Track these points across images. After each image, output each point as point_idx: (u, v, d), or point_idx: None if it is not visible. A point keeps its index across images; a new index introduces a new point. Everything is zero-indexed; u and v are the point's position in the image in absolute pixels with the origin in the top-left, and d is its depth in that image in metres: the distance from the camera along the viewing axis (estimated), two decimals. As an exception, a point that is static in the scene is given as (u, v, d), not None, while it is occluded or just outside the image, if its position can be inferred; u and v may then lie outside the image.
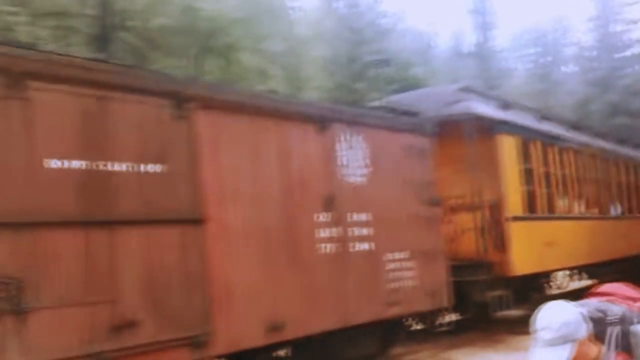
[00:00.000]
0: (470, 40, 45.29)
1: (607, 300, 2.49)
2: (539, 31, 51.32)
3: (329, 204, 7.34)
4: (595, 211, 14.22)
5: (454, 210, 10.68)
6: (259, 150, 6.58)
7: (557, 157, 12.41)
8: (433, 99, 11.08)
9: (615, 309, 2.40)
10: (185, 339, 5.60)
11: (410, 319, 9.31)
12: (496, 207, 10.51)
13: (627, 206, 16.28)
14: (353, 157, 7.82)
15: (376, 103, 10.97)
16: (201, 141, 5.98)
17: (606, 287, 2.63)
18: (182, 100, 5.84)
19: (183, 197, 5.74)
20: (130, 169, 5.39)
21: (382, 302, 7.88)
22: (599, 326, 2.34)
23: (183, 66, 20.43)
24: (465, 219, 10.46)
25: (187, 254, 5.70)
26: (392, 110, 8.81)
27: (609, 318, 2.36)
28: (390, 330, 8.67)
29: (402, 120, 8.74)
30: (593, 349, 2.33)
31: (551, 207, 12.17)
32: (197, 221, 5.83)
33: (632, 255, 15.84)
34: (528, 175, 11.43)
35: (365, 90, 27.78)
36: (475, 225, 10.24)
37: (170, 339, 5.47)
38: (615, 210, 15.40)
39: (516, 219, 10.66)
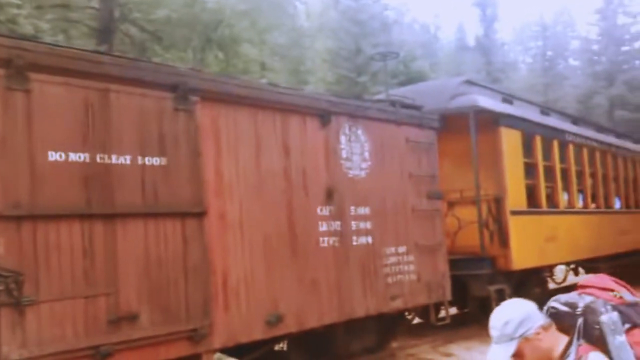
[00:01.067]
0: (474, 33, 45.17)
1: (586, 293, 2.55)
2: (543, 24, 51.13)
3: (331, 197, 7.35)
4: (596, 205, 14.19)
5: (456, 203, 10.69)
6: (261, 143, 6.57)
7: (559, 151, 12.38)
8: (436, 92, 11.05)
9: (584, 301, 2.47)
10: (185, 332, 5.61)
11: (410, 312, 9.32)
12: (498, 201, 10.49)
13: (630, 200, 16.27)
14: (355, 150, 7.81)
15: (380, 96, 10.93)
16: (203, 133, 5.98)
17: (587, 280, 2.67)
18: (184, 92, 5.83)
19: (184, 189, 5.74)
20: (132, 161, 5.39)
21: (382, 295, 7.89)
22: (569, 319, 2.46)
23: (185, 58, 20.43)
24: (467, 213, 10.46)
25: (187, 247, 5.70)
26: (395, 103, 8.78)
27: (577, 310, 2.45)
28: (390, 324, 8.69)
29: (405, 114, 8.72)
30: (552, 343, 2.44)
31: (553, 201, 12.16)
32: (198, 214, 5.83)
33: (634, 249, 15.83)
34: (530, 169, 11.41)
35: (368, 83, 27.75)
36: (477, 219, 10.22)
37: (169, 332, 5.48)
38: (616, 204, 15.39)
39: (518, 213, 10.65)
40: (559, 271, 13.97)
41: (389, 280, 8.04)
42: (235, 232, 6.19)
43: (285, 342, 7.38)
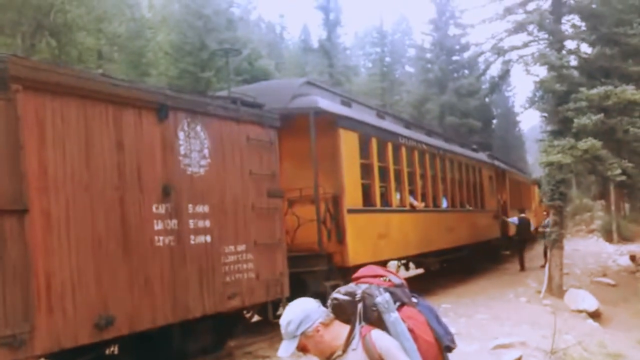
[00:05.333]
0: (318, 35, 46.25)
1: (360, 282, 2.90)
2: (382, 32, 53.61)
3: (167, 194, 7.13)
4: (425, 205, 15.07)
5: (296, 202, 10.85)
6: (91, 136, 6.21)
7: (392, 153, 13.01)
8: (278, 91, 11.15)
9: (360, 289, 2.81)
10: (2, 339, 5.17)
11: (248, 310, 9.32)
12: (336, 200, 10.79)
13: (456, 200, 17.51)
14: (194, 146, 7.65)
15: (222, 93, 10.82)
16: (25, 125, 5.54)
17: (360, 271, 3.01)
18: (3, 80, 5.37)
19: (2, 185, 5.29)
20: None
21: (220, 294, 7.81)
22: (350, 306, 2.78)
23: (14, 45, 18.94)
24: (306, 211, 10.64)
25: (6, 247, 5.26)
26: (236, 100, 8.73)
27: (356, 297, 2.78)
28: (228, 323, 8.64)
29: (246, 112, 8.69)
30: (335, 334, 2.75)
31: (386, 201, 12.75)
32: (18, 211, 5.39)
33: (458, 245, 17.07)
34: (366, 169, 11.87)
35: (212, 79, 27.41)
36: (316, 217, 10.43)
37: (-17, 339, 5.03)
38: (444, 204, 16.49)
39: (354, 211, 11.03)
40: (392, 267, 14.67)
41: (228, 279, 7.98)
42: (61, 230, 5.80)
43: (117, 345, 7.06)
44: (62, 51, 19.59)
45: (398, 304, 2.82)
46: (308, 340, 2.73)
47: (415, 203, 14.09)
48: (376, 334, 2.70)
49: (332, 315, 2.79)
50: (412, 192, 14.23)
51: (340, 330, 2.77)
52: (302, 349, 2.75)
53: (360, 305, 2.76)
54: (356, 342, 2.71)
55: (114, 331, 6.28)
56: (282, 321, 2.76)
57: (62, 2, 18.93)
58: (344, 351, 2.73)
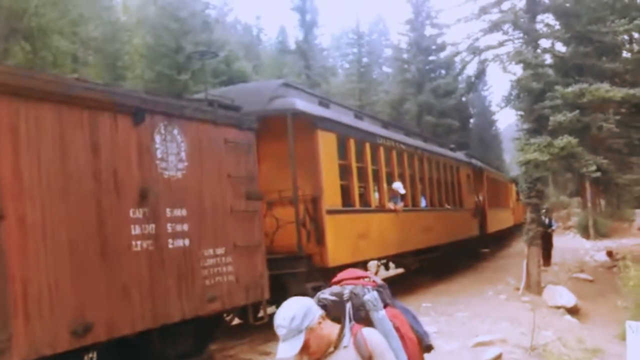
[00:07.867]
0: (295, 37, 46.19)
1: (344, 284, 2.96)
2: (359, 32, 53.69)
3: (145, 198, 7.07)
4: (404, 204, 15.12)
5: (275, 204, 10.83)
6: (66, 141, 6.14)
7: (370, 153, 13.04)
8: (255, 93, 11.14)
9: (347, 289, 2.88)
10: (-22, 348, 5.10)
11: (228, 313, 9.28)
12: (315, 201, 10.79)
13: (434, 199, 17.60)
14: (171, 150, 7.60)
15: (199, 96, 10.77)
16: (-1, 131, 5.46)
17: (341, 274, 3.10)
18: (-24, 85, 5.29)
19: (-24, 192, 5.21)
20: None
21: (200, 298, 7.76)
22: (339, 307, 2.84)
23: (-14, 48, 18.66)
24: (285, 213, 10.63)
25: (-20, 255, 5.18)
26: (213, 103, 8.69)
27: (344, 297, 2.85)
28: (208, 327, 8.59)
29: (224, 114, 8.66)
30: (330, 329, 2.78)
31: (365, 201, 12.78)
32: (-7, 218, 5.32)
33: (437, 244, 17.16)
34: (345, 170, 11.89)
35: (189, 82, 27.24)
36: (295, 218, 10.42)
37: (-43, 349, 4.95)
38: (422, 203, 16.56)
39: (334, 212, 11.04)
40: (372, 267, 14.70)
41: (207, 282, 7.93)
42: (37, 236, 5.72)
43: (95, 352, 6.99)
44: (36, 55, 19.34)
45: (382, 303, 2.88)
46: (312, 334, 2.70)
47: (395, 206, 14.09)
48: (367, 332, 2.74)
49: (324, 312, 2.81)
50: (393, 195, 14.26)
51: (332, 327, 2.80)
52: (304, 347, 2.70)
53: (349, 305, 2.81)
54: (347, 339, 2.74)
55: (92, 337, 6.21)
56: (283, 320, 2.69)
57: (35, 5, 18.69)
58: (336, 347, 2.75)
